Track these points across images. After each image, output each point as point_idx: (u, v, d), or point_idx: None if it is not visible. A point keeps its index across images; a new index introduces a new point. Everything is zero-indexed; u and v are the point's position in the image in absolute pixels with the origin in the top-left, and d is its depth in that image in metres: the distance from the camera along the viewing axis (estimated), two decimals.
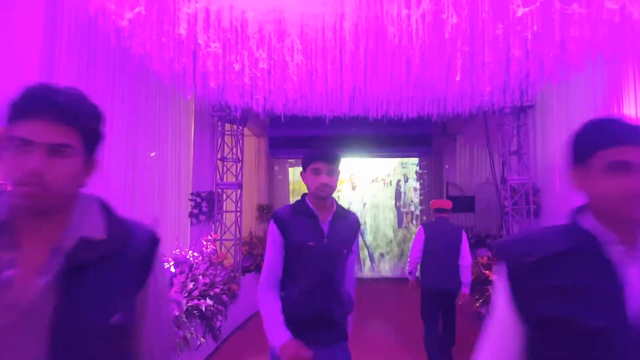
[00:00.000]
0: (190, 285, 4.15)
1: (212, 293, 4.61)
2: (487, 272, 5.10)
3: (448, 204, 4.84)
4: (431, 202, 5.00)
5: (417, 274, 4.74)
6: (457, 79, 3.76)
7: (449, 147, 11.76)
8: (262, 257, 7.34)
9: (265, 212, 10.61)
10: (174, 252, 4.88)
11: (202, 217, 6.78)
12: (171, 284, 4.20)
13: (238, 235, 6.67)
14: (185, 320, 4.01)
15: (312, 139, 6.64)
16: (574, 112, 5.84)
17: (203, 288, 4.49)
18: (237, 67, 4.45)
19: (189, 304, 4.07)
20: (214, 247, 5.73)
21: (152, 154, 6.85)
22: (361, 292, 8.77)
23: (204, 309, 4.25)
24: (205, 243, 5.65)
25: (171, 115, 6.34)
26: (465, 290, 4.45)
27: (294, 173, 10.85)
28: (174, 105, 6.46)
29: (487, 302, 4.97)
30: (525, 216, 6.45)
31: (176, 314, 3.66)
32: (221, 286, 5.00)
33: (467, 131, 11.69)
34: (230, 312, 5.53)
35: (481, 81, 4.48)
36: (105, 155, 4.81)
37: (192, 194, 6.80)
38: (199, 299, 4.22)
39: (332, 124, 6.41)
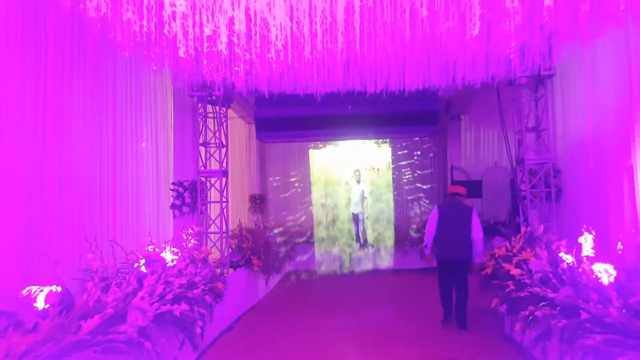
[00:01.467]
0: (161, 289, 3.51)
1: (190, 295, 3.98)
2: (506, 265, 4.44)
3: (463, 190, 5.61)
4: (448, 187, 5.94)
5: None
6: (475, 34, 3.07)
7: (453, 128, 11.06)
8: (253, 251, 6.73)
9: (258, 202, 9.97)
10: (147, 249, 4.24)
11: (185, 209, 6.13)
12: (140, 287, 3.56)
13: (224, 228, 6.02)
14: (155, 329, 3.39)
15: (302, 119, 5.95)
16: (601, 81, 5.15)
17: (179, 291, 3.85)
18: (208, 29, 3.75)
19: (160, 310, 3.43)
20: (196, 242, 5.08)
21: (144, 144, 6.20)
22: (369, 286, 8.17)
23: (178, 314, 3.61)
24: (185, 237, 5.00)
25: (145, 96, 5.65)
26: (477, 260, 5.24)
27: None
28: (148, 85, 5.76)
29: (506, 299, 4.33)
30: (545, 200, 5.78)
31: (140, 324, 3.02)
32: (202, 286, 4.37)
33: (472, 110, 10.94)
34: (216, 313, 4.93)
35: (500, 40, 3.78)
36: (66, 143, 4.14)
37: (173, 183, 6.15)
38: (172, 304, 3.59)
39: (325, 102, 5.69)
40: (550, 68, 5.62)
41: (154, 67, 3.98)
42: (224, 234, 6.01)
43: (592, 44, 5.09)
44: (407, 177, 10.40)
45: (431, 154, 10.96)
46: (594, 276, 3.26)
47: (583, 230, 3.74)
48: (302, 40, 3.97)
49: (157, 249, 4.22)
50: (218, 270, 5.59)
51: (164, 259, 4.13)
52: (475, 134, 11.73)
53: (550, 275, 3.70)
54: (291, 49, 3.94)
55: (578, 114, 5.62)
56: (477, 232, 5.21)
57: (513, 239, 5.11)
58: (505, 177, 11.33)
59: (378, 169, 9.41)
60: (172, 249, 4.72)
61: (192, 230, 5.08)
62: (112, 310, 2.80)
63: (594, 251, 3.50)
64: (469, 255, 5.24)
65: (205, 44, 3.95)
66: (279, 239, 8.87)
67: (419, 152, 10.59)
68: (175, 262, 4.31)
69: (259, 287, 7.02)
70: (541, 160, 5.78)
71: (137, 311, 3.00)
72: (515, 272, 4.27)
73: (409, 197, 10.36)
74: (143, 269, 3.94)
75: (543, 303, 3.71)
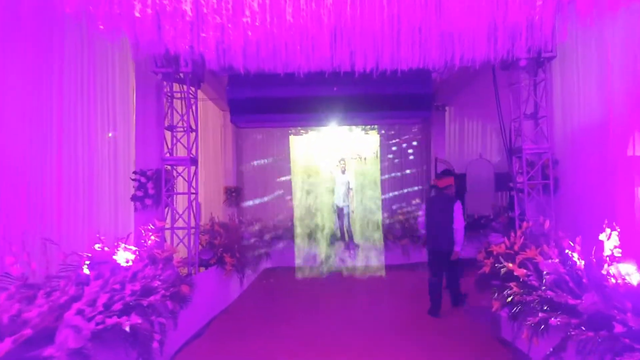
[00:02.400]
0: (106, 298, 2.86)
1: (145, 303, 3.33)
2: (509, 264, 3.97)
3: (447, 182, 5.67)
4: (432, 181, 5.98)
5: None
6: None
7: (437, 119, 10.61)
8: (226, 248, 6.09)
9: (233, 195, 9.29)
10: (95, 247, 3.56)
11: (148, 201, 5.43)
12: (79, 296, 2.90)
13: (193, 223, 5.36)
14: (97, 348, 2.74)
15: (282, 101, 5.30)
16: (608, 63, 4.73)
17: (131, 299, 3.20)
18: None
19: (104, 325, 2.78)
20: (158, 239, 4.42)
21: (110, 134, 5.51)
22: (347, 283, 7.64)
23: (128, 329, 2.97)
24: (145, 234, 4.33)
25: (100, 70, 4.92)
26: (457, 248, 5.39)
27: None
28: (105, 58, 5.03)
29: (510, 303, 3.85)
30: (542, 193, 5.35)
31: (71, 346, 2.36)
32: (163, 291, 3.72)
33: (457, 101, 10.54)
34: (181, 320, 4.29)
35: (512, 8, 3.27)
36: None
37: (134, 172, 5.43)
38: (121, 316, 2.94)
39: (308, 82, 5.08)
40: (552, 50, 5.17)
41: (101, 27, 3.27)
42: (192, 230, 5.34)
43: (600, 23, 4.68)
44: (394, 167, 9.89)
45: (416, 145, 10.51)
46: (621, 280, 2.80)
47: (604, 226, 3.27)
48: (283, 3, 3.37)
49: (106, 248, 3.54)
50: (185, 271, 4.95)
51: (113, 261, 3.46)
52: (459, 126, 11.36)
53: (567, 277, 3.22)
54: (269, 10, 3.33)
55: (581, 100, 5.20)
56: (457, 222, 5.36)
57: (512, 234, 4.66)
58: (490, 170, 11.09)
59: (365, 159, 8.77)
60: (129, 248, 4.05)
61: (152, 225, 4.39)
62: (30, 331, 2.14)
63: (620, 250, 3.03)
64: (453, 246, 5.43)
65: (167, 1, 3.29)
66: (255, 234, 8.24)
67: (404, 144, 10.10)
68: (131, 264, 3.64)
69: (232, 288, 6.39)
70: (539, 150, 5.34)
71: (68, 329, 2.35)
72: (520, 272, 3.80)
73: (397, 190, 9.86)
74: (88, 272, 3.27)
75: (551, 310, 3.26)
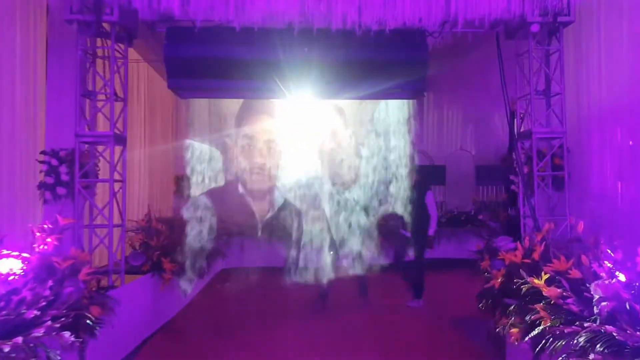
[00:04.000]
0: None
1: (8, 348, 2.13)
2: (534, 280, 3.00)
3: None
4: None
5: None
6: None
7: (415, 106, 9.73)
8: (166, 251, 4.63)
9: (185, 185, 7.98)
10: None
11: (61, 191, 4.18)
12: None
13: (118, 220, 4.13)
14: None
15: (235, 63, 4.04)
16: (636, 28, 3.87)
17: None
18: None
19: None
20: (57, 242, 3.18)
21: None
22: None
23: None
24: (39, 235, 3.10)
25: None
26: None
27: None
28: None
29: (536, 332, 2.90)
30: (551, 186, 4.46)
31: None
32: (49, 322, 2.53)
33: (437, 87, 9.68)
34: (93, 350, 3.15)
35: None
36: None
37: (43, 152, 4.15)
38: None
39: (269, 40, 3.94)
40: (569, 13, 4.26)
41: None
42: (125, 229, 4.11)
43: None
44: (369, 154, 8.81)
45: (393, 133, 9.52)
46: None
47: None
48: None
49: None
50: (92, 287, 3.70)
51: None
52: (438, 114, 10.62)
53: (635, 306, 2.28)
54: None
55: (602, 77, 4.32)
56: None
57: (527, 239, 3.73)
58: (470, 162, 10.34)
59: (339, 140, 7.56)
60: (10, 255, 2.83)
61: (47, 225, 3.16)
62: None
63: None
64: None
65: None
66: (209, 231, 7.02)
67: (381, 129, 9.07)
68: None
69: (174, 299, 5.16)
70: (552, 135, 4.45)
71: None
72: (552, 292, 2.85)
73: (371, 180, 8.80)
74: None
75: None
